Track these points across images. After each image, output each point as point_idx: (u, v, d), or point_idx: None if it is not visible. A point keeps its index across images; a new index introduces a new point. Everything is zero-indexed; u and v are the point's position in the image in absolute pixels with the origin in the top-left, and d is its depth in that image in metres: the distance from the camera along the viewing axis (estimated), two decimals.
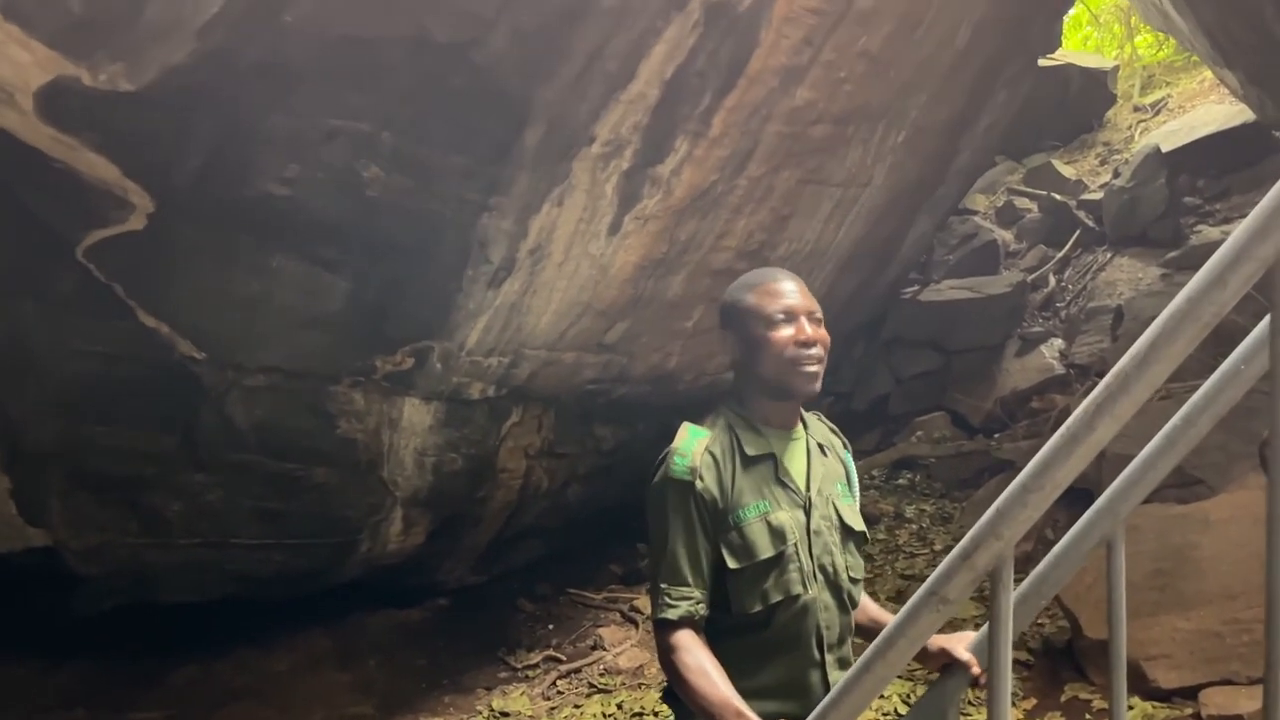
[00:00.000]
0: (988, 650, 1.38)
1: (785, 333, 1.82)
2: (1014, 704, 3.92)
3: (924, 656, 1.72)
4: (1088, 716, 3.64)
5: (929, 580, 1.37)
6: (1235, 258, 1.12)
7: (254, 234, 4.01)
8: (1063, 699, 3.79)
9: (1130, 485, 1.61)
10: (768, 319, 1.83)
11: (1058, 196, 9.06)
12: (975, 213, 9.43)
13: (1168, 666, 3.56)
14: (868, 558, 4.39)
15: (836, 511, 1.89)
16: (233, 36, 3.04)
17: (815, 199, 5.81)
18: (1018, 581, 1.61)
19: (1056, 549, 1.71)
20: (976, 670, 1.60)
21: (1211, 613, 3.53)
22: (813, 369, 1.82)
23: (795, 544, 1.81)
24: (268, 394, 4.44)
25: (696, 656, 1.70)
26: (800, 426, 1.95)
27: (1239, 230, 1.14)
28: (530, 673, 5.07)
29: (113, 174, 3.40)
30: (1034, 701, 3.89)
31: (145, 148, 3.37)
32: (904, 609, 1.41)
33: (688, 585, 1.77)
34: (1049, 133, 10.28)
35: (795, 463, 1.89)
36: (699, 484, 1.79)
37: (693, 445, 1.83)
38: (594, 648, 5.24)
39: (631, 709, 4.47)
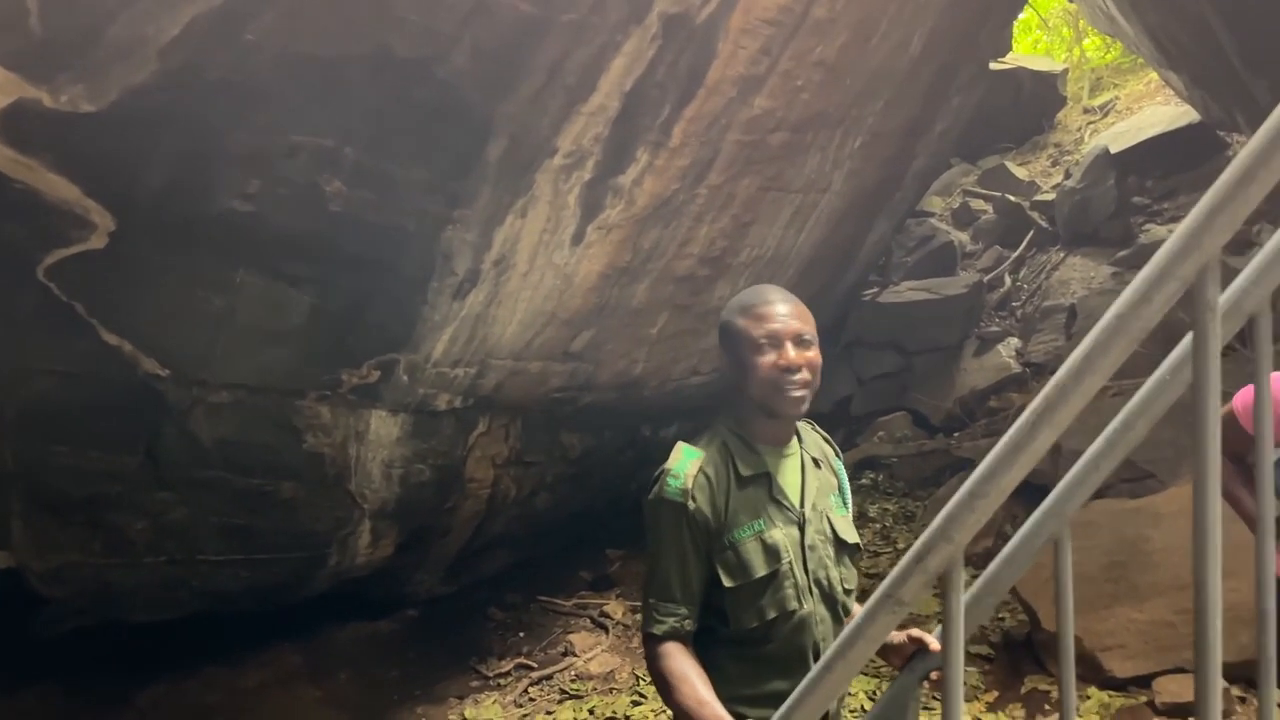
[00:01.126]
0: (943, 649, 1.44)
1: (769, 357, 1.84)
2: (976, 697, 4.01)
3: (888, 650, 1.77)
4: (1046, 706, 3.74)
5: (884, 583, 1.43)
6: (1159, 277, 1.20)
7: (217, 250, 4.00)
8: (1023, 690, 3.89)
9: (1074, 486, 1.68)
10: (753, 343, 1.86)
11: (1011, 198, 9.24)
12: (932, 214, 9.59)
13: (1123, 656, 3.66)
14: None
15: (830, 525, 1.93)
16: (194, 56, 3.05)
17: (776, 205, 5.90)
18: (974, 578, 1.68)
19: (1006, 549, 1.78)
20: (938, 649, 1.64)
21: (1164, 603, 3.64)
22: (797, 394, 1.85)
23: (790, 561, 1.85)
24: (233, 410, 4.42)
25: (679, 664, 1.75)
26: (795, 441, 1.97)
27: (1160, 252, 1.21)
28: (502, 680, 5.09)
29: (73, 194, 3.38)
30: (995, 694, 3.98)
31: (106, 167, 3.35)
32: (862, 611, 1.48)
33: (675, 603, 1.81)
34: (1002, 135, 10.48)
35: (789, 479, 1.92)
36: (691, 505, 1.82)
37: (686, 467, 1.86)
38: (565, 654, 5.27)
39: (603, 714, 4.51)
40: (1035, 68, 10.53)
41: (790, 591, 1.84)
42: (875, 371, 7.85)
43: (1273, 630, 1.51)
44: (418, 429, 5.02)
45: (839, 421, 7.76)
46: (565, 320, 5.06)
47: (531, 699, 4.85)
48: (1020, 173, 9.88)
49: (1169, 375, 1.69)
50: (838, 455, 2.10)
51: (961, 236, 9.16)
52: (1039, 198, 9.30)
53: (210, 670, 5.12)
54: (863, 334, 8.08)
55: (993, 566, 1.86)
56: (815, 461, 1.98)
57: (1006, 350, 7.36)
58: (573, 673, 5.03)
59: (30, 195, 3.38)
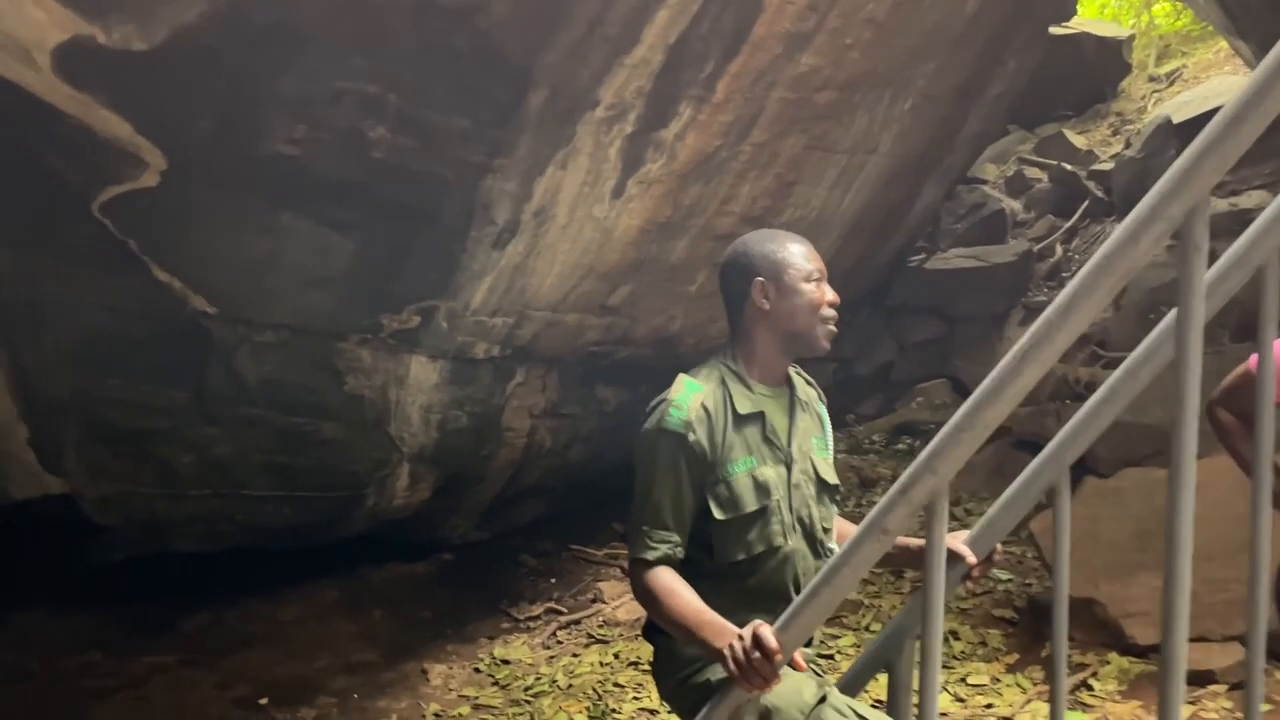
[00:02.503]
0: (924, 574, 1.48)
1: (817, 293, 1.91)
2: (997, 658, 4.04)
3: (918, 558, 1.83)
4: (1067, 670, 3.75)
5: (871, 512, 1.48)
6: (1148, 217, 1.21)
7: (264, 193, 4.09)
8: (1043, 654, 3.90)
9: (1074, 435, 1.71)
10: (807, 274, 1.91)
11: (1068, 166, 9.05)
12: (985, 182, 9.43)
13: (1145, 624, 3.66)
14: (860, 518, 4.54)
15: (814, 466, 1.99)
16: None
17: (821, 165, 5.85)
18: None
19: (1005, 495, 1.82)
20: (972, 560, 1.79)
21: (1192, 573, 3.61)
22: (834, 329, 1.95)
23: (778, 499, 1.90)
24: (276, 350, 4.55)
25: (667, 582, 1.81)
26: (786, 384, 2.03)
27: (1150, 193, 1.22)
28: (531, 623, 5.21)
29: (125, 131, 3.48)
30: (1016, 656, 4.00)
31: (157, 106, 3.45)
32: (849, 539, 1.52)
33: (668, 530, 1.86)
34: (1062, 102, 10.24)
35: (780, 420, 1.97)
36: (691, 436, 1.86)
37: (689, 399, 1.90)
38: (594, 601, 5.38)
39: (628, 658, 4.61)
40: (1100, 33, 10.25)
41: (777, 528, 1.90)
42: (918, 338, 7.80)
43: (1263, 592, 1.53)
44: (456, 376, 5.12)
45: (879, 386, 7.74)
46: (603, 274, 5.10)
47: (559, 642, 4.96)
48: (1079, 141, 9.67)
49: (1170, 327, 1.71)
50: (821, 400, 2.15)
51: (1014, 205, 9.01)
52: (1096, 167, 9.10)
53: (251, 602, 5.31)
54: (907, 299, 8.01)
55: (991, 511, 1.90)
56: (802, 404, 2.03)
57: None
58: (600, 619, 5.14)
59: (84, 131, 3.49)
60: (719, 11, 4.30)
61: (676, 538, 1.87)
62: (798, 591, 1.92)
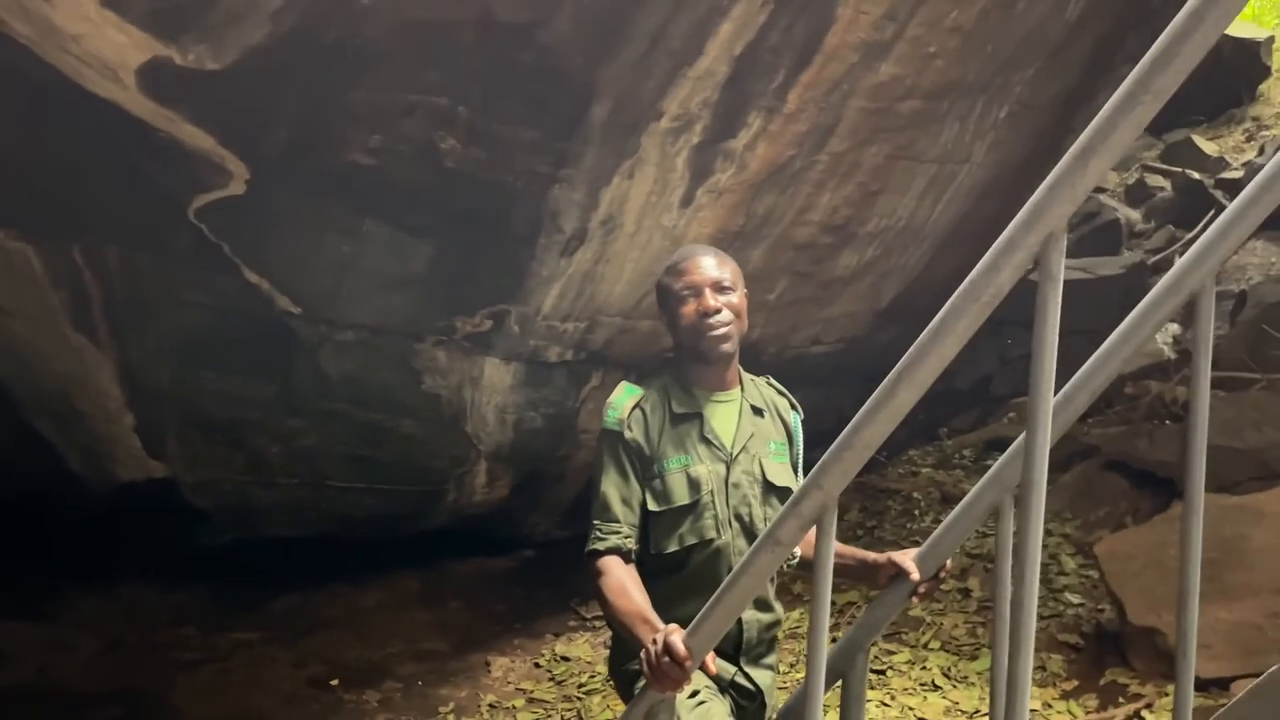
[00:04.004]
0: (813, 585, 1.50)
1: (690, 306, 2.03)
2: (1054, 684, 3.91)
3: (870, 572, 1.97)
4: (1121, 700, 3.61)
5: (769, 526, 1.52)
6: (1007, 247, 1.23)
7: (344, 200, 4.32)
8: (1101, 682, 3.76)
9: (1013, 457, 1.71)
10: (676, 295, 2.06)
11: (1193, 174, 8.61)
12: (1104, 190, 9.06)
13: (1206, 657, 3.48)
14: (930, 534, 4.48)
15: (761, 467, 2.07)
16: (306, 19, 3.31)
17: (907, 175, 5.75)
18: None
19: (951, 515, 1.82)
20: (917, 577, 1.86)
21: (1255, 605, 3.43)
22: (718, 333, 2.02)
23: (711, 493, 2.00)
24: (357, 349, 4.78)
25: (617, 577, 1.90)
26: (737, 389, 2.13)
27: (1011, 224, 1.23)
28: (597, 622, 5.30)
29: (209, 143, 3.75)
30: (1075, 683, 3.86)
31: (236, 120, 3.69)
32: (748, 552, 1.56)
33: (616, 522, 1.97)
34: (1193, 106, 9.73)
35: (723, 422, 2.07)
36: (628, 434, 2.02)
37: (624, 401, 2.06)
38: None
39: None
40: (1237, 34, 9.70)
41: (709, 522, 2.00)
42: (1019, 351, 7.55)
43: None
44: (530, 378, 5.26)
45: (977, 400, 7.53)
46: None
47: None
48: (1209, 148, 9.18)
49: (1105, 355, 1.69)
50: (794, 409, 2.23)
51: (1132, 214, 8.62)
52: (1226, 175, 8.62)
53: (336, 587, 5.58)
54: (1012, 312, 7.71)
55: (938, 530, 1.91)
56: (756, 410, 2.13)
57: (1162, 336, 6.93)
58: None
59: (174, 144, 3.77)
60: (789, 23, 4.30)
61: (625, 529, 1.98)
62: None
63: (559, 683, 4.64)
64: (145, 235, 4.38)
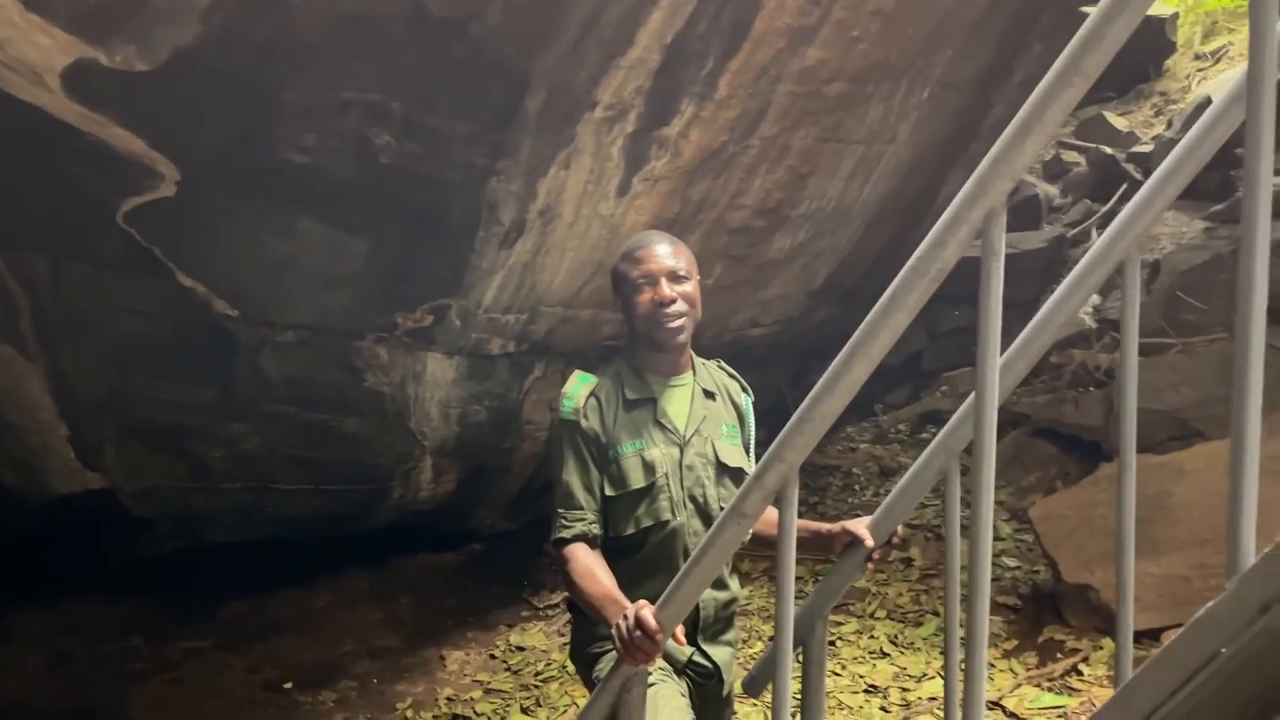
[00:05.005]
0: (777, 554, 1.57)
1: (646, 295, 2.07)
2: (995, 644, 4.07)
3: (825, 542, 2.03)
4: (1059, 655, 3.78)
5: (733, 500, 1.58)
6: (952, 222, 1.30)
7: (279, 199, 4.27)
8: (1040, 639, 3.93)
9: (960, 423, 1.79)
10: (632, 284, 2.09)
11: (1106, 149, 8.90)
12: None
13: (1138, 609, 3.62)
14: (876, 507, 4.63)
15: (714, 449, 2.13)
16: (237, 18, 3.27)
17: (836, 157, 5.87)
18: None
19: (901, 481, 1.91)
20: (870, 544, 1.93)
21: (1181, 558, 3.62)
22: (674, 324, 2.07)
23: (666, 476, 2.06)
24: (298, 349, 4.74)
25: (584, 562, 1.95)
26: (689, 373, 2.18)
27: (954, 200, 1.31)
28: (550, 611, 5.35)
29: (139, 146, 3.68)
30: (1015, 643, 4.03)
31: (166, 122, 3.63)
32: (714, 525, 1.63)
33: (580, 509, 2.03)
34: (1104, 83, 10.02)
35: (676, 406, 2.13)
36: (584, 423, 2.07)
37: (579, 390, 2.12)
38: None
39: None
40: None
41: (665, 504, 2.06)
42: (948, 326, 7.76)
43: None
44: (473, 371, 5.27)
45: (908, 375, 7.73)
46: None
47: None
48: (1119, 123, 9.49)
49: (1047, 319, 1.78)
50: (745, 391, 2.29)
51: (1050, 190, 8.89)
52: (1137, 149, 8.93)
53: (286, 590, 5.54)
54: (938, 288, 7.96)
55: (889, 497, 2.00)
56: (708, 394, 2.18)
57: (1083, 307, 7.18)
58: None
59: (103, 147, 3.69)
60: (717, 10, 4.36)
61: (589, 515, 2.04)
62: None
63: (515, 672, 4.68)
64: (74, 242, 4.28)
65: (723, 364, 2.31)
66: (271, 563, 5.58)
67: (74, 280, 4.39)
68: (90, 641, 5.01)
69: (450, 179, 4.36)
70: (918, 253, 1.36)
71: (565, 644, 4.89)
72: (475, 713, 4.32)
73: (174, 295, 4.42)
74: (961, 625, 1.73)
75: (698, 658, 2.14)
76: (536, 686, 4.45)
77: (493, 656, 4.89)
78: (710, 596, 2.13)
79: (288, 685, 4.66)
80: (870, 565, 1.97)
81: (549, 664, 4.68)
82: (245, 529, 5.38)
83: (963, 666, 1.45)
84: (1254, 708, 1.12)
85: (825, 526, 2.07)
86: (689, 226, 5.33)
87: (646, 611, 1.66)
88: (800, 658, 2.08)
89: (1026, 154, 1.27)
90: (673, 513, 2.06)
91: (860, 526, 1.95)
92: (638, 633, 1.64)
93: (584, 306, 5.32)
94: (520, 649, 4.91)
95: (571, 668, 4.60)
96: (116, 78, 3.26)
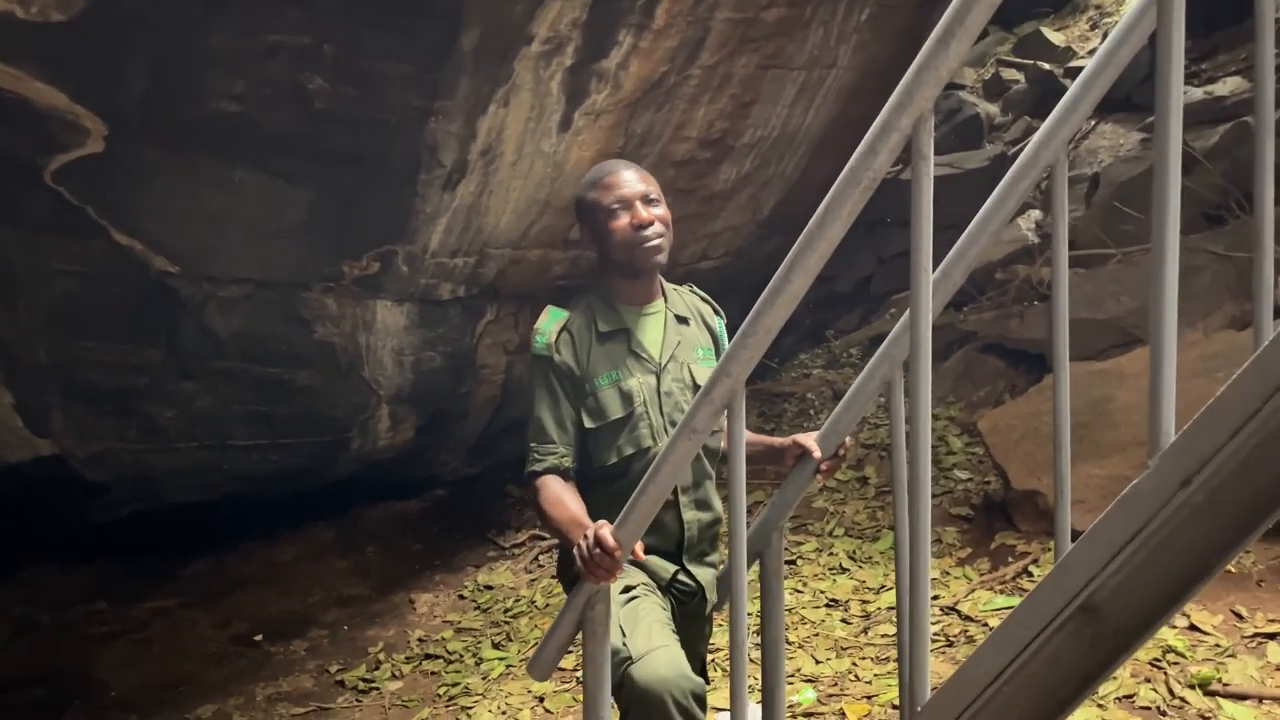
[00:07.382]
0: (727, 468, 1.61)
1: (623, 220, 2.05)
2: (950, 553, 4.19)
3: (777, 455, 2.08)
4: (1010, 559, 3.90)
5: (684, 417, 1.61)
6: (882, 130, 1.32)
7: (213, 150, 4.19)
8: (993, 546, 4.05)
9: (900, 334, 1.83)
10: (607, 210, 2.07)
11: (1044, 65, 8.95)
12: (963, 86, 9.35)
13: (1082, 511, 3.77)
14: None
15: (690, 374, 2.14)
16: None
17: (777, 84, 5.85)
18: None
19: (848, 394, 1.95)
20: (819, 455, 1.98)
21: (1123, 459, 3.74)
22: (653, 244, 2.07)
23: (645, 404, 2.07)
24: (244, 304, 4.68)
25: (553, 490, 1.98)
26: (661, 300, 2.18)
27: (884, 109, 1.32)
28: (516, 550, 5.41)
29: (61, 100, 3.57)
30: (968, 551, 4.15)
31: (89, 74, 3.53)
32: (666, 442, 1.66)
33: (552, 443, 2.04)
34: None
35: (650, 334, 2.13)
36: (556, 358, 2.06)
37: (551, 325, 2.10)
38: None
39: None
40: None
41: (645, 431, 2.07)
42: (895, 250, 7.82)
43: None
44: (424, 318, 5.24)
45: (859, 300, 7.81)
46: (561, 208, 5.17)
47: (540, 565, 5.16)
48: (1057, 38, 9.52)
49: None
50: (717, 313, 2.30)
51: (990, 108, 8.94)
52: (1074, 64, 8.98)
53: (249, 546, 5.54)
54: (884, 213, 8.00)
55: (836, 410, 2.04)
56: (681, 319, 2.19)
57: (1026, 223, 7.27)
58: None
59: (24, 103, 3.58)
60: None
61: (562, 449, 2.04)
62: (675, 489, 2.08)
63: (484, 610, 4.74)
64: (1, 204, 4.17)
65: (694, 288, 2.32)
66: (233, 519, 5.56)
67: (4, 243, 4.28)
68: (53, 607, 4.98)
69: (387, 122, 4.29)
70: (850, 164, 1.38)
71: (532, 580, 4.97)
72: (447, 651, 4.38)
73: (111, 254, 4.33)
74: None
75: (682, 576, 2.16)
76: (506, 622, 4.51)
77: (462, 597, 4.95)
78: (694, 517, 2.14)
79: (257, 638, 4.68)
80: (819, 476, 2.02)
81: (517, 600, 4.75)
82: (205, 488, 5.34)
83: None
84: (1181, 578, 1.18)
85: (777, 441, 2.11)
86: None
87: (605, 530, 1.69)
88: (759, 571, 2.13)
89: (951, 58, 1.29)
90: (653, 439, 2.06)
91: (809, 439, 2.00)
92: (597, 550, 1.68)
93: (532, 247, 5.30)
94: (489, 588, 4.97)
95: (541, 601, 4.70)
96: (33, 30, 3.16)
